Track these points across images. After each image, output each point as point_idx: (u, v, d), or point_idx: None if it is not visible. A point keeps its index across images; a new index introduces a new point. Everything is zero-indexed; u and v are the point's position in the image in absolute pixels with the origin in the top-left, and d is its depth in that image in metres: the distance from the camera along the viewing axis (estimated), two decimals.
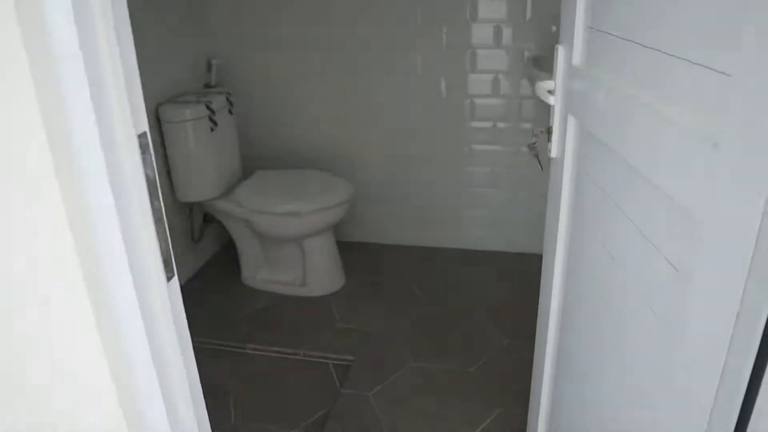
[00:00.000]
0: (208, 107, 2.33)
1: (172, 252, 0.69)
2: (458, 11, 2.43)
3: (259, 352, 2.19)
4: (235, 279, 2.65)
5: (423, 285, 2.55)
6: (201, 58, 2.66)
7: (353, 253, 2.83)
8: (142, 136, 0.62)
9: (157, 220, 0.66)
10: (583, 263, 1.04)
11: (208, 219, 2.73)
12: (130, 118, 0.59)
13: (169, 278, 0.69)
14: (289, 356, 2.16)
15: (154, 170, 0.65)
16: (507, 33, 2.44)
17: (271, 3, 2.57)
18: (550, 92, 1.09)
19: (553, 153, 1.13)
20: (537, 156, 1.17)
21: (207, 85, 2.67)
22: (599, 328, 0.96)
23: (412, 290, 2.52)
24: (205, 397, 1.97)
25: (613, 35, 0.84)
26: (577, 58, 1.00)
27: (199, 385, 0.81)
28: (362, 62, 2.59)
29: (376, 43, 2.54)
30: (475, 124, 2.60)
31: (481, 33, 2.46)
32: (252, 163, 2.83)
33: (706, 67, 0.59)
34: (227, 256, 2.82)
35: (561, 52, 1.05)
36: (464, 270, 2.67)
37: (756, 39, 0.50)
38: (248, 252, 2.58)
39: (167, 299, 0.68)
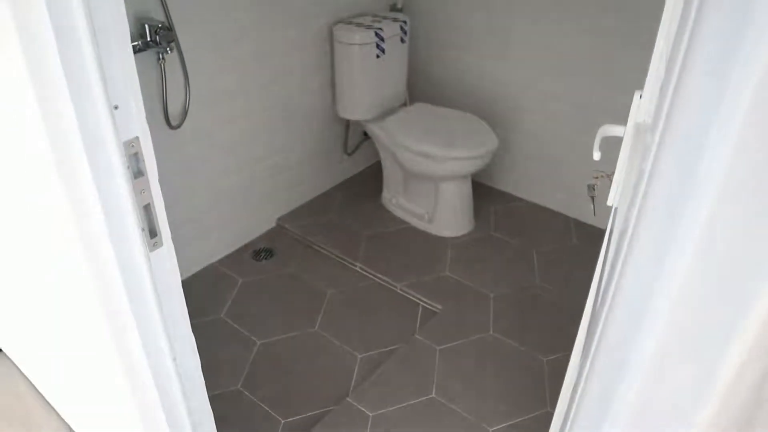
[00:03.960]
0: (377, 34, 2.40)
1: (159, 226, 0.83)
2: None
3: (366, 273, 2.38)
4: (375, 197, 2.82)
5: (545, 256, 2.47)
6: None
7: (494, 201, 2.81)
8: (131, 143, 0.74)
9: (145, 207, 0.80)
10: None
11: (367, 135, 2.89)
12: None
13: (153, 248, 0.83)
14: (388, 286, 2.32)
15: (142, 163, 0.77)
16: None
17: None
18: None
19: (611, 201, 1.03)
20: (593, 199, 1.07)
21: (393, 7, 2.71)
22: None
23: (531, 258, 2.46)
24: (302, 297, 2.37)
25: None
26: (641, 116, 0.88)
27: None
28: (558, 11, 2.39)
29: None
30: None
31: None
32: (420, 91, 2.87)
33: None
34: (374, 174, 2.99)
35: (637, 98, 0.92)
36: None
37: None
38: (391, 176, 2.72)
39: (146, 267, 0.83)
